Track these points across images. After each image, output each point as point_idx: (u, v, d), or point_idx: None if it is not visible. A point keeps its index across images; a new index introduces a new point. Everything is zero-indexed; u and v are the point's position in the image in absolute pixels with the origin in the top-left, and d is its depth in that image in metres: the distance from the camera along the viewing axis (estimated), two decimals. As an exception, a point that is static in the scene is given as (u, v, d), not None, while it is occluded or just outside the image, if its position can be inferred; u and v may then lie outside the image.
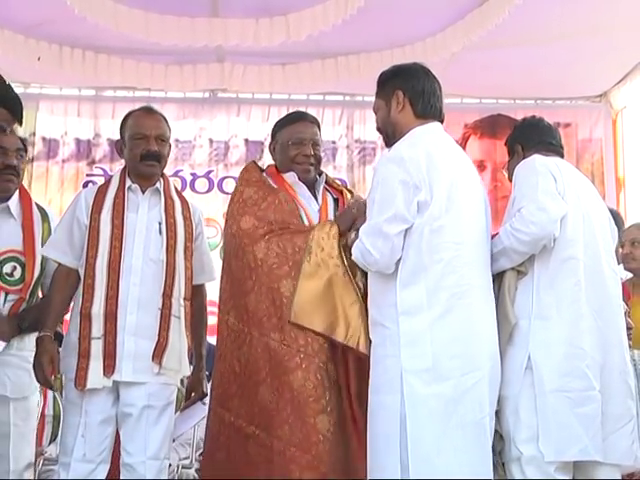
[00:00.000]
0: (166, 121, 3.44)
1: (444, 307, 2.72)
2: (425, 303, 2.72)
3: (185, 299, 3.26)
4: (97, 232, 3.21)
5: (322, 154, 3.40)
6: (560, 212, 2.95)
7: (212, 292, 3.53)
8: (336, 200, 3.40)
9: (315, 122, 3.42)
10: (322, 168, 3.45)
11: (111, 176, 3.54)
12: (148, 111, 3.44)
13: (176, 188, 3.54)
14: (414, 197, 2.73)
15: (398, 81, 3.00)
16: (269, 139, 3.53)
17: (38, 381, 3.23)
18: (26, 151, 3.53)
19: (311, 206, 3.30)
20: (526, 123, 3.49)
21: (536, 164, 3.08)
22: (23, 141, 3.52)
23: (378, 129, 3.12)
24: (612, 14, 5.07)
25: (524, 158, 3.26)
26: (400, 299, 2.74)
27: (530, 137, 3.39)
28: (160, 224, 3.29)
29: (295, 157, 3.30)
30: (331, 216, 3.29)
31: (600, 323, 2.99)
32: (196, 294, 3.37)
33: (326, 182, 3.46)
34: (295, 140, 3.31)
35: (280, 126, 3.42)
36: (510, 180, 3.30)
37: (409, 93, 2.97)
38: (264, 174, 3.41)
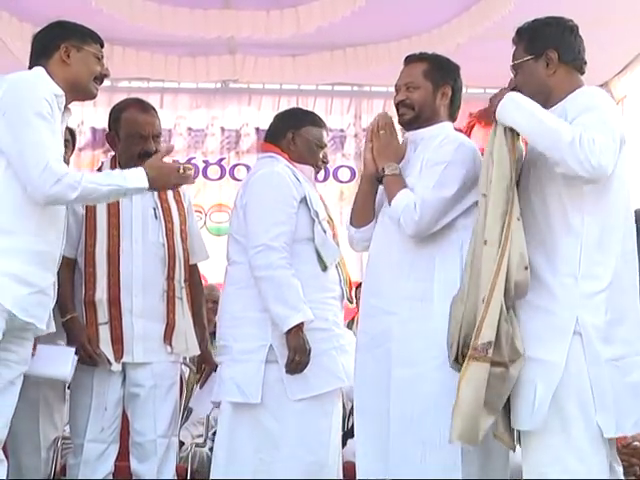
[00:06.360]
0: (156, 112, 3.45)
1: None
2: None
3: (185, 280, 3.35)
4: (94, 221, 3.24)
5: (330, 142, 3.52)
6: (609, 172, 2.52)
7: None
8: None
9: None
10: (331, 156, 3.60)
11: (101, 165, 3.60)
12: (143, 108, 3.41)
13: None
14: None
15: None
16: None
17: (83, 361, 3.19)
18: (74, 142, 3.58)
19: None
20: (561, 24, 2.75)
21: (612, 112, 2.65)
22: (72, 131, 3.56)
23: None
24: (613, 5, 5.16)
25: (554, 70, 2.71)
26: None
27: (571, 45, 2.74)
28: (155, 209, 3.33)
29: (323, 158, 3.39)
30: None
31: None
32: (192, 274, 3.44)
33: None
34: (323, 144, 3.38)
35: (311, 122, 3.39)
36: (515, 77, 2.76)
37: None
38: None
